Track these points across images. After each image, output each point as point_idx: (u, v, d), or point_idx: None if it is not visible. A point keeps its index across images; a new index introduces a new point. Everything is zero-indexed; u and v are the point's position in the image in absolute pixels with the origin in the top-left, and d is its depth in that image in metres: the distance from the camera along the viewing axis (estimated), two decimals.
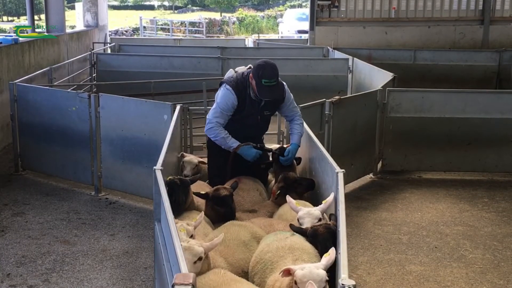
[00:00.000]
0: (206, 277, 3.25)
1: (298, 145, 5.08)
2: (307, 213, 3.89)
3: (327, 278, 2.95)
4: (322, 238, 3.46)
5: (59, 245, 5.75)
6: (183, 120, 6.92)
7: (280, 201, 4.66)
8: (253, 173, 5.12)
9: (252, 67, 4.98)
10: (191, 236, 3.66)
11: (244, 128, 5.00)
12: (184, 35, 30.71)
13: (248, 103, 4.93)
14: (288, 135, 6.19)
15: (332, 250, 3.16)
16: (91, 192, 7.23)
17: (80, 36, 15.43)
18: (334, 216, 3.75)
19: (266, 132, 6.95)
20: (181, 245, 3.29)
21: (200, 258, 3.31)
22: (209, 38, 27.25)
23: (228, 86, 4.91)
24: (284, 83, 5.07)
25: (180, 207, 4.30)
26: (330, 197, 3.88)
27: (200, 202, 4.60)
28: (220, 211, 4.35)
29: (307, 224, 3.80)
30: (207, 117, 5.08)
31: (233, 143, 4.91)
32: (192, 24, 33.54)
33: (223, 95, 4.92)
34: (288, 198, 4.17)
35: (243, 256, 3.74)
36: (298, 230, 3.72)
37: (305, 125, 5.38)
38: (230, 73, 5.16)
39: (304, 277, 2.89)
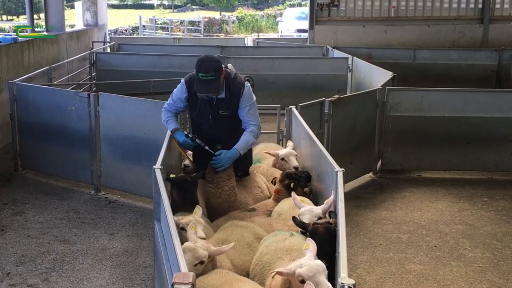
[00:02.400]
0: (209, 276, 3.25)
1: (238, 152, 4.65)
2: (308, 210, 3.93)
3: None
4: (319, 238, 3.46)
5: (59, 244, 5.75)
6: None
7: (280, 199, 4.73)
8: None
9: (228, 65, 4.87)
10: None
11: (202, 128, 4.84)
12: (183, 34, 30.70)
13: (200, 101, 4.75)
14: (288, 134, 6.21)
15: (310, 241, 3.22)
16: (91, 191, 7.23)
17: (80, 35, 15.43)
18: (334, 214, 3.76)
19: (266, 131, 6.91)
20: (187, 245, 3.30)
21: (202, 262, 3.29)
22: (208, 37, 27.23)
23: (183, 79, 4.84)
24: (247, 84, 4.78)
25: (195, 204, 4.21)
26: (331, 197, 3.89)
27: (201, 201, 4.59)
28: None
29: (305, 220, 3.83)
30: None
31: (171, 126, 4.82)
32: (191, 23, 33.51)
33: (177, 87, 4.89)
34: (293, 194, 4.25)
35: (248, 258, 3.74)
36: (300, 224, 3.75)
37: (305, 124, 5.37)
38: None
39: (310, 271, 2.93)
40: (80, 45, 14.91)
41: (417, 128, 7.93)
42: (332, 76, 11.93)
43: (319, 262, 2.99)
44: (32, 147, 7.79)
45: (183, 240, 3.47)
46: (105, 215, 6.53)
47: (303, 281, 2.91)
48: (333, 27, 17.43)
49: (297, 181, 4.73)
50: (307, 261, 3.00)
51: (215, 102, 4.72)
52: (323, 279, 2.90)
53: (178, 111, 4.93)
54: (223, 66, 4.73)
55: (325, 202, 3.97)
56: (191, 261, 3.23)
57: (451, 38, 17.46)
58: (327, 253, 3.36)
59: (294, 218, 3.82)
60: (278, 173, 5.33)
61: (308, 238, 3.34)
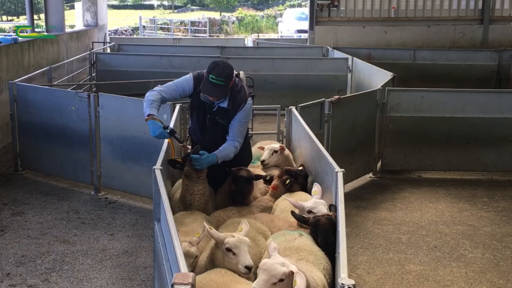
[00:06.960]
0: (207, 277, 3.25)
1: (217, 156, 4.48)
2: (318, 203, 3.98)
3: (283, 278, 2.87)
4: (323, 228, 3.53)
5: (59, 245, 5.75)
6: (182, 119, 6.92)
7: (277, 195, 4.75)
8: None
9: (240, 73, 4.84)
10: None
11: (199, 128, 4.82)
12: (185, 34, 30.70)
13: (202, 102, 4.71)
14: (288, 135, 6.21)
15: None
16: (91, 191, 7.23)
17: (80, 36, 15.42)
18: (334, 207, 3.78)
19: (266, 132, 6.90)
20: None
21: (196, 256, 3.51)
22: (208, 37, 27.23)
23: (191, 74, 4.77)
24: (250, 102, 4.71)
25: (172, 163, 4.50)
26: (317, 188, 4.06)
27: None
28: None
29: (322, 211, 3.86)
30: None
31: (148, 111, 4.54)
32: (192, 23, 33.54)
33: (184, 77, 4.78)
34: (288, 199, 4.26)
35: (254, 251, 3.76)
36: (300, 218, 3.78)
37: (304, 125, 5.37)
38: None
39: (264, 264, 2.94)
40: (80, 46, 14.91)
41: (417, 129, 7.93)
42: (332, 76, 11.93)
43: (279, 268, 2.86)
44: (32, 147, 7.79)
45: (229, 261, 3.37)
46: (105, 215, 6.53)
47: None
48: (333, 28, 17.44)
49: (294, 179, 4.75)
50: (284, 262, 2.94)
51: (216, 108, 4.70)
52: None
53: (172, 98, 4.80)
54: (235, 73, 4.70)
55: (313, 194, 4.16)
56: (188, 263, 3.34)
57: (451, 39, 17.48)
58: (331, 242, 3.44)
59: (293, 213, 3.84)
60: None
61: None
